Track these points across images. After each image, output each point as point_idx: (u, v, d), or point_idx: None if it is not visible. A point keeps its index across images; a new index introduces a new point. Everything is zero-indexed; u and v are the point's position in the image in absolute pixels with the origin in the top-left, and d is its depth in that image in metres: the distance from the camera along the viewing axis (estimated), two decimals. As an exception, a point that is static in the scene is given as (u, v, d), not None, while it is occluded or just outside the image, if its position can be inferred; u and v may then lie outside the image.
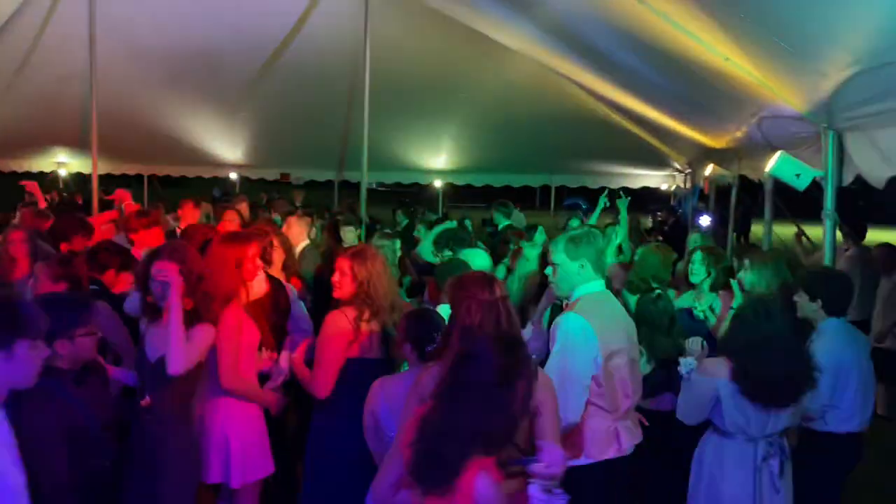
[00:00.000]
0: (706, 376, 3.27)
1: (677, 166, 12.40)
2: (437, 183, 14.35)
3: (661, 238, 10.77)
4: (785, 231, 8.52)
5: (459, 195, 14.83)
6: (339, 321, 3.36)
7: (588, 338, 2.95)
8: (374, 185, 26.45)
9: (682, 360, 3.49)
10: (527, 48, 9.02)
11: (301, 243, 5.92)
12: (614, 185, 14.38)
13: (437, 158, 13.34)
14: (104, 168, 12.05)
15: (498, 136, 11.77)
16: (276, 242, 4.73)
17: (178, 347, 2.90)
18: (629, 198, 8.15)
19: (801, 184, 4.46)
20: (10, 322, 2.00)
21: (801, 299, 3.95)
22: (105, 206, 9.81)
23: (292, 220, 6.15)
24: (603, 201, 8.47)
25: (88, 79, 8.62)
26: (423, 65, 10.09)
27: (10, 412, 2.75)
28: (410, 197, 23.02)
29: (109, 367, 3.20)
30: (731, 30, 4.33)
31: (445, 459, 2.11)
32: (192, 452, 3.06)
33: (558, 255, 3.18)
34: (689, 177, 12.01)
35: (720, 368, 3.27)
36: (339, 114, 10.79)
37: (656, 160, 12.26)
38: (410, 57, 9.90)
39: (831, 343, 3.79)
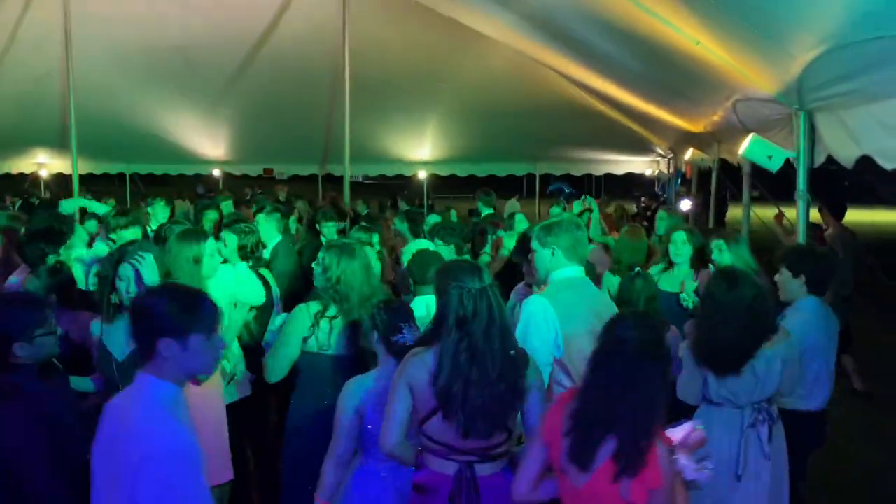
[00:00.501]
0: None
1: (660, 151, 12.48)
2: (422, 174, 14.38)
3: (645, 223, 10.86)
4: (765, 213, 8.61)
5: (444, 186, 14.81)
6: (299, 315, 3.44)
7: (548, 319, 3.01)
8: (359, 178, 26.48)
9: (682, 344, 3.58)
10: (506, 37, 9.05)
11: (273, 240, 5.85)
12: (598, 171, 14.49)
13: (420, 149, 13.37)
14: (85, 168, 12.01)
15: (481, 126, 11.81)
16: None
17: None
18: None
19: (774, 165, 4.52)
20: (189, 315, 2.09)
21: (783, 276, 4.01)
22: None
23: (260, 216, 6.02)
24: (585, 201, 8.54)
25: (66, 77, 8.58)
26: (403, 56, 10.11)
27: None
28: (395, 189, 23.05)
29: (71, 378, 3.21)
30: (700, 13, 4.38)
31: (627, 442, 2.20)
32: None
33: (533, 242, 3.28)
34: (671, 161, 12.09)
35: None
36: (321, 107, 10.80)
37: (639, 146, 12.34)
38: (390, 48, 9.92)
39: (805, 320, 3.87)
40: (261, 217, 5.96)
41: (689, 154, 9.81)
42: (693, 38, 4.62)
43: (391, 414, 2.57)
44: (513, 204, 14.88)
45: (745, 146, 4.68)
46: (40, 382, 2.78)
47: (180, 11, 9.18)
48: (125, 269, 3.08)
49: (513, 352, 2.58)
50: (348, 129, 8.95)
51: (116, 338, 3.09)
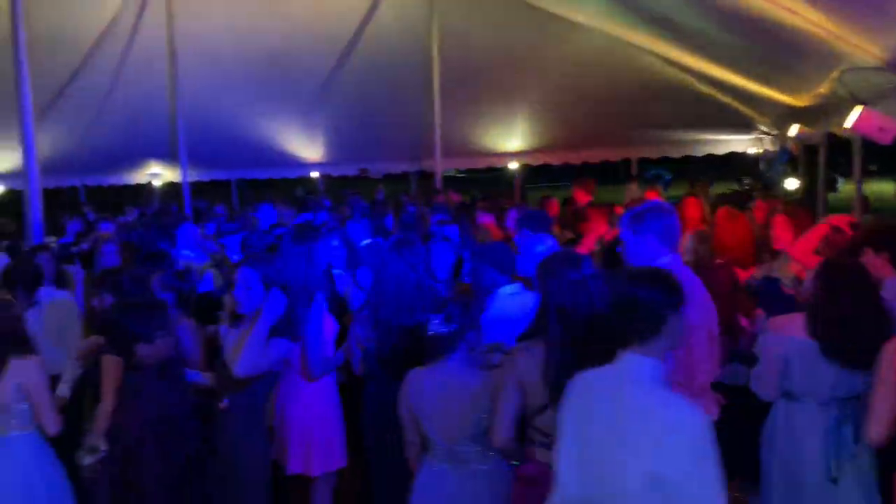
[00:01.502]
0: (778, 334, 3.20)
1: (763, 129, 11.89)
2: (513, 165, 14.31)
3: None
4: (881, 188, 8.07)
5: (536, 176, 14.66)
6: None
7: None
8: (452, 173, 26.61)
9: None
10: (595, 21, 8.89)
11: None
12: (698, 153, 13.94)
13: (511, 140, 13.31)
14: (194, 176, 12.67)
15: (572, 113, 11.64)
16: None
17: (251, 352, 3.05)
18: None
19: (885, 137, 4.24)
20: None
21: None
22: (197, 213, 10.37)
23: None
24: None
25: (172, 92, 9.13)
26: (491, 47, 10.13)
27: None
28: (487, 182, 23.00)
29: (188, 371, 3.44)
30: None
31: None
32: (265, 450, 3.27)
33: (624, 231, 3.18)
34: (776, 139, 11.50)
35: (794, 325, 3.18)
36: (411, 104, 10.95)
37: (741, 124, 11.80)
38: (479, 40, 9.97)
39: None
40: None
41: (794, 130, 9.30)
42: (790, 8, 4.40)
43: (502, 411, 2.57)
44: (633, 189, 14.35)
45: (852, 118, 4.42)
46: (160, 382, 3.01)
47: (275, 21, 9.56)
48: (242, 275, 3.21)
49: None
50: (438, 123, 9.08)
51: (229, 346, 3.25)
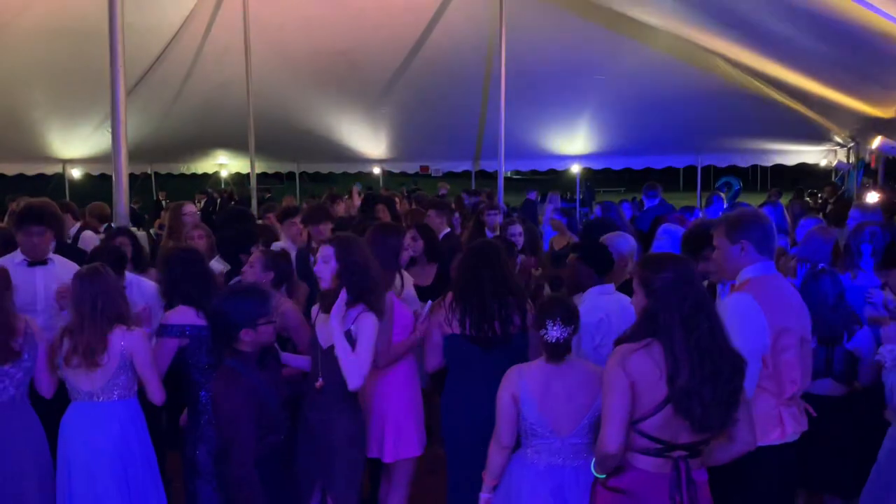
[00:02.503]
0: None
1: (838, 140, 11.49)
2: (575, 168, 14.18)
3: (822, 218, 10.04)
4: (970, 206, 7.69)
5: (595, 180, 14.51)
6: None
7: (758, 316, 2.85)
8: (509, 174, 26.60)
9: (883, 348, 3.27)
10: (668, 24, 8.70)
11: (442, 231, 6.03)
12: (767, 162, 13.59)
13: (573, 143, 13.18)
14: (260, 167, 12.93)
15: (638, 117, 11.44)
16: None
17: (350, 367, 3.09)
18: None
19: None
20: None
21: None
22: (262, 200, 10.56)
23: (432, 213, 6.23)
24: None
25: (244, 85, 9.31)
26: (558, 50, 10.02)
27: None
28: (546, 183, 22.90)
29: (286, 354, 3.49)
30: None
31: None
32: (360, 432, 3.27)
33: (719, 237, 3.09)
34: (852, 150, 11.09)
35: None
36: (475, 103, 10.95)
37: (814, 134, 11.43)
38: (546, 42, 9.87)
39: None
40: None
41: (877, 142, 8.94)
42: (889, 17, 4.20)
43: (614, 416, 2.46)
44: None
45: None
46: (258, 370, 3.06)
47: (345, 16, 9.64)
48: (321, 252, 3.24)
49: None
50: (503, 124, 9.02)
51: (322, 328, 3.26)
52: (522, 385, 2.86)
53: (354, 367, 3.12)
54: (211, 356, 3.29)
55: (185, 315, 3.38)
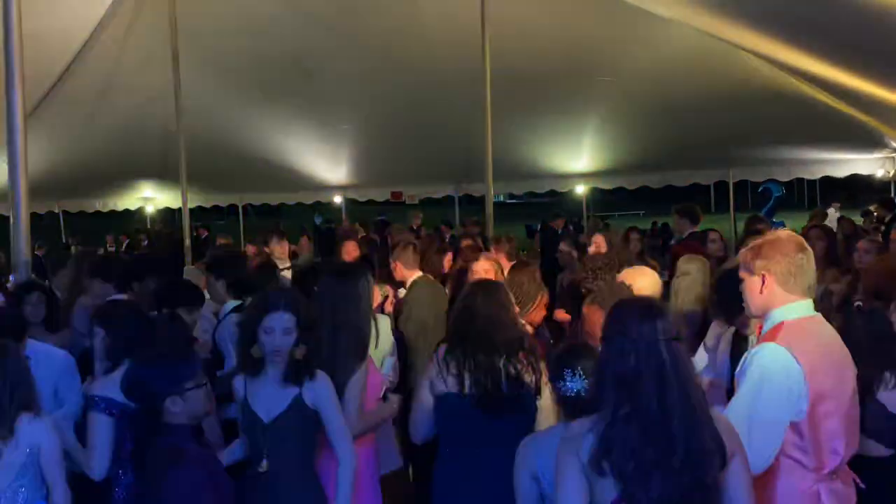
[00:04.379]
0: None
1: (896, 146, 11.75)
2: (580, 189, 14.34)
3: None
4: None
5: (605, 201, 14.73)
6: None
7: (791, 376, 2.84)
8: (500, 198, 26.80)
9: None
10: (685, 15, 8.89)
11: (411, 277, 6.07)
12: (812, 174, 13.85)
13: (577, 160, 13.34)
14: (194, 201, 12.93)
15: (654, 127, 11.62)
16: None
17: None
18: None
19: None
20: None
21: None
22: (197, 241, 10.57)
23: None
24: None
25: (172, 101, 9.34)
26: (554, 48, 10.16)
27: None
28: (545, 208, 23.07)
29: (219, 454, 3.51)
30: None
31: None
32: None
33: (741, 268, 3.12)
34: (913, 158, 11.33)
35: None
36: (457, 116, 11.02)
37: (868, 140, 11.67)
38: (538, 37, 9.99)
39: None
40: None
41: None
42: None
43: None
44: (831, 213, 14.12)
45: None
46: (198, 444, 3.10)
47: (296, 19, 9.73)
48: (273, 320, 3.28)
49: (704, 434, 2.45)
50: (490, 138, 9.10)
51: (262, 396, 3.31)
52: (540, 459, 2.85)
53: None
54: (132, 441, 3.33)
55: (112, 387, 3.41)
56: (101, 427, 3.40)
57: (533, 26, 9.85)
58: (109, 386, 3.44)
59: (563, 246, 7.86)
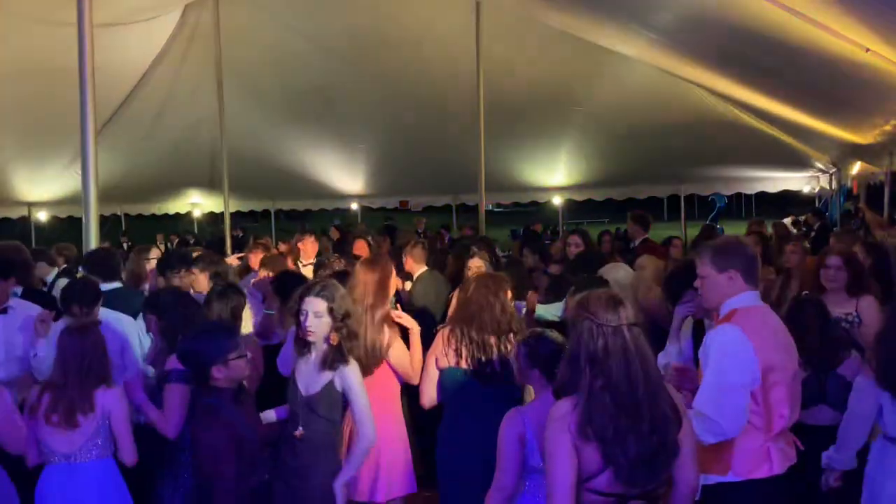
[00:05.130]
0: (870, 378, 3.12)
1: (820, 166, 11.75)
2: (556, 200, 14.34)
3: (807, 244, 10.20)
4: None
5: (580, 210, 14.73)
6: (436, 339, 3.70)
7: (745, 350, 2.87)
8: (490, 207, 26.77)
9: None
10: (644, 55, 8.92)
11: (419, 270, 6.04)
12: (750, 189, 13.84)
13: (555, 175, 13.35)
14: (234, 206, 12.93)
15: (619, 148, 11.65)
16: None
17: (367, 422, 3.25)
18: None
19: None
20: None
21: None
22: (237, 242, 10.57)
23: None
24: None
25: (217, 123, 9.38)
26: (536, 81, 10.20)
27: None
28: (528, 216, 23.07)
29: (263, 414, 3.48)
30: (870, 20, 4.14)
31: None
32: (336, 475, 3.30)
33: (703, 266, 3.10)
34: (833, 177, 11.34)
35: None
36: (454, 137, 11.06)
37: (796, 161, 11.69)
38: (524, 74, 10.05)
39: None
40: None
41: (856, 168, 9.17)
42: (861, 46, 4.37)
43: (557, 484, 2.38)
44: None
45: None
46: (234, 406, 3.10)
47: (319, 54, 9.77)
48: (307, 304, 3.24)
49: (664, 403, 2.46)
50: (483, 157, 9.14)
51: (305, 373, 3.29)
52: (528, 428, 2.82)
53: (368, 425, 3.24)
54: None
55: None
56: (177, 394, 3.34)
57: (519, 65, 9.90)
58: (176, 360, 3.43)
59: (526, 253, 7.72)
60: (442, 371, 3.62)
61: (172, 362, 3.41)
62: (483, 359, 3.53)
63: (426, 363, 3.71)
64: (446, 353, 3.59)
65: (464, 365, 3.55)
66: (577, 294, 3.87)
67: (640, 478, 2.39)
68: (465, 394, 3.57)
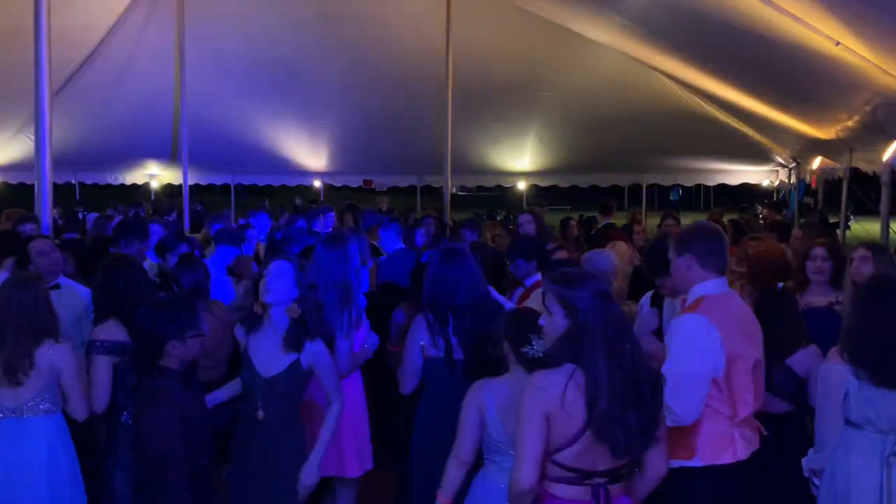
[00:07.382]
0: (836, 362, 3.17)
1: (780, 160, 11.96)
2: (521, 185, 14.35)
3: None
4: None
5: (543, 197, 14.77)
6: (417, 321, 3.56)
7: (710, 339, 2.89)
8: (455, 190, 26.71)
9: None
10: (614, 41, 8.94)
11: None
12: (711, 181, 14.04)
13: (520, 160, 13.35)
14: (192, 178, 12.62)
15: (584, 135, 11.67)
16: None
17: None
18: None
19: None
20: None
21: None
22: (195, 216, 10.34)
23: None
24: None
25: (177, 92, 9.14)
26: (505, 65, 10.16)
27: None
28: (492, 200, 23.11)
29: (210, 395, 3.36)
30: (841, 11, 4.18)
31: None
32: (303, 455, 3.24)
33: (669, 249, 3.13)
34: (793, 171, 11.56)
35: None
36: (421, 118, 10.96)
37: (757, 154, 11.86)
38: (493, 56, 10.00)
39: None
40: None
41: (816, 163, 9.35)
42: (832, 39, 4.41)
43: (527, 450, 2.41)
44: None
45: (889, 152, 4.42)
46: (184, 389, 3.00)
47: (287, 27, 9.57)
48: (273, 265, 3.18)
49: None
50: (450, 139, 9.08)
51: (262, 354, 3.19)
52: (490, 399, 2.84)
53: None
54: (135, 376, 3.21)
55: (117, 331, 3.29)
56: (103, 366, 3.24)
57: (489, 47, 9.84)
58: (110, 331, 3.29)
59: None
60: (425, 361, 3.49)
61: (101, 332, 3.30)
62: (459, 342, 3.46)
63: (406, 349, 3.52)
64: (431, 339, 3.45)
65: (439, 347, 3.42)
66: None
67: (635, 450, 2.47)
68: (442, 376, 3.48)
